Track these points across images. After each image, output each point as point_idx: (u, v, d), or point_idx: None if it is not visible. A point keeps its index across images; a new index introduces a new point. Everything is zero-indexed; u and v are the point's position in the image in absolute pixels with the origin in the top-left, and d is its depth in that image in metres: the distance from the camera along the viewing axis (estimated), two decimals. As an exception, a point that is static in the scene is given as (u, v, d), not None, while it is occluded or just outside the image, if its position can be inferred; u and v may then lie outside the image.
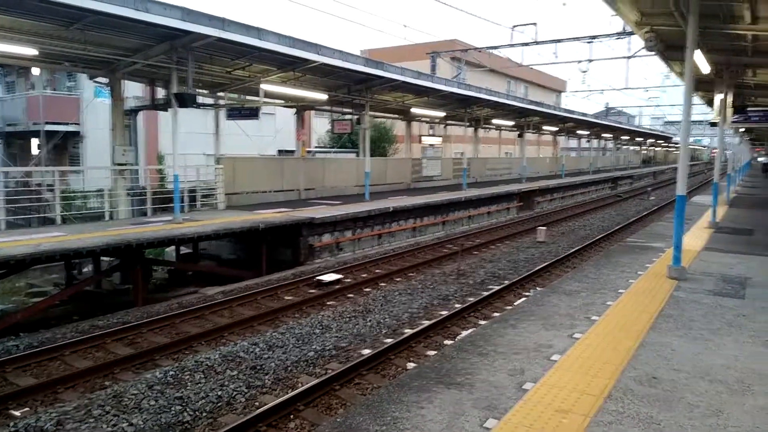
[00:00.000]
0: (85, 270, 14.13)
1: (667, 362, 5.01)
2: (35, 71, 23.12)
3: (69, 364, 7.57)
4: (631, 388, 4.47)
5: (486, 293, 10.79)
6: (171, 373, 6.95)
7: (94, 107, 19.86)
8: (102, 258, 11.94)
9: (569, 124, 36.84)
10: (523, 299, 9.31)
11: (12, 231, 11.56)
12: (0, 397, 6.40)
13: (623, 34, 24.41)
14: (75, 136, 22.78)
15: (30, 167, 19.70)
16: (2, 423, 5.88)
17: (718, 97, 13.84)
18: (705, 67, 11.27)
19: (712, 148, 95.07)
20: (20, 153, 25.43)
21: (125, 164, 13.70)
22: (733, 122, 15.32)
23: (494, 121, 29.07)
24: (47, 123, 21.50)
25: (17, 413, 6.14)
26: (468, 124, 26.51)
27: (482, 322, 8.94)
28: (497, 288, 11.10)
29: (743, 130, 29.46)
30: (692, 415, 4.05)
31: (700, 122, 63.61)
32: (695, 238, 11.93)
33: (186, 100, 12.18)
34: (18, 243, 9.50)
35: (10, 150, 25.73)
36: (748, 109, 14.93)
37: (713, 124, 16.86)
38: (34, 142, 23.80)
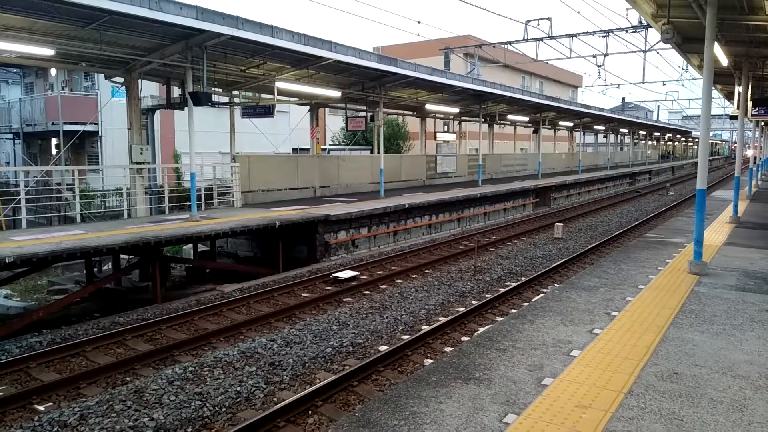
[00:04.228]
0: (104, 268, 14.33)
1: (688, 358, 4.94)
2: (53, 72, 23.45)
3: (91, 359, 7.68)
4: (652, 383, 4.42)
5: (503, 290, 10.75)
6: (190, 368, 7.02)
7: (110, 107, 20.11)
8: (121, 256, 12.10)
9: (585, 120, 36.48)
10: (541, 295, 9.24)
11: (33, 229, 11.73)
12: (24, 392, 6.51)
13: (640, 27, 24.07)
14: (93, 136, 23.09)
15: (50, 167, 19.99)
16: (27, 417, 5.99)
17: (737, 90, 13.63)
18: (723, 60, 11.11)
19: (732, 142, 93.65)
20: (40, 153, 25.86)
21: (143, 163, 13.85)
22: (753, 115, 15.07)
23: (509, 117, 28.90)
24: (65, 123, 21.79)
25: (41, 408, 6.25)
26: (483, 120, 26.36)
27: (499, 319, 8.90)
28: (514, 284, 11.05)
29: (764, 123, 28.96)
30: (715, 410, 4.00)
31: (719, 116, 62.59)
32: (716, 233, 11.76)
33: (201, 99, 12.25)
34: (39, 241, 9.66)
35: (30, 150, 26.17)
36: (770, 101, 14.64)
37: (733, 118, 16.58)
38: (53, 142, 24.17)
